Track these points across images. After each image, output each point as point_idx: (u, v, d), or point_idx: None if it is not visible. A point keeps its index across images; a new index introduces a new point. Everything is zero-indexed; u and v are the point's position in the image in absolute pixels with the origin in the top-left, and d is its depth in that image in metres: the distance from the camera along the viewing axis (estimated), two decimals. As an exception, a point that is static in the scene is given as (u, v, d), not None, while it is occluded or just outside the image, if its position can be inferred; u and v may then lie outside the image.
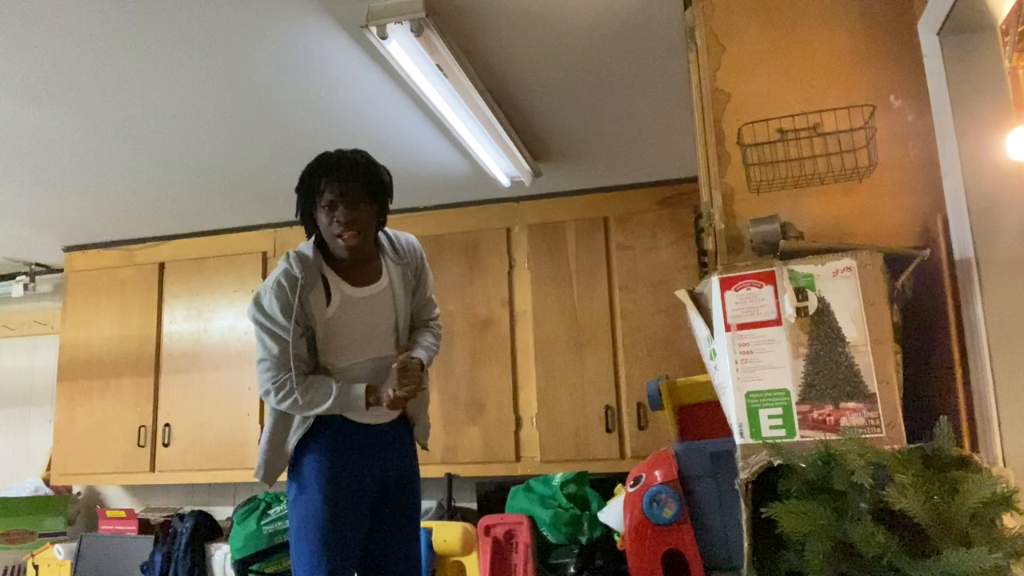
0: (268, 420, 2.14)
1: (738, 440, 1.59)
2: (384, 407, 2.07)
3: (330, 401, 2.03)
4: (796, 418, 1.55)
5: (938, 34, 1.75)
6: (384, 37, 2.31)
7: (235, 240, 4.46)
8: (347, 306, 2.10)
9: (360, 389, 2.06)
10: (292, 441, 2.10)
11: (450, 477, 3.75)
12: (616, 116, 3.20)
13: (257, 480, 2.12)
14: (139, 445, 4.34)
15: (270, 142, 3.29)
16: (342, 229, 2.04)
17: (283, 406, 2.06)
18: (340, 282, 2.10)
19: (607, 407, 3.75)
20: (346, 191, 2.04)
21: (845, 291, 1.57)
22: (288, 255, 2.07)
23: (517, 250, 4.03)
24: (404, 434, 2.23)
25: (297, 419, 2.10)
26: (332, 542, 2.01)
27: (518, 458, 3.82)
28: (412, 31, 2.28)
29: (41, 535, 4.38)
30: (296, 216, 2.15)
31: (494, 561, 3.23)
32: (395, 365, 2.07)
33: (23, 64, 2.57)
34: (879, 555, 1.32)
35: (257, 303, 2.07)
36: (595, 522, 3.17)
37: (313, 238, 2.14)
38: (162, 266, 4.54)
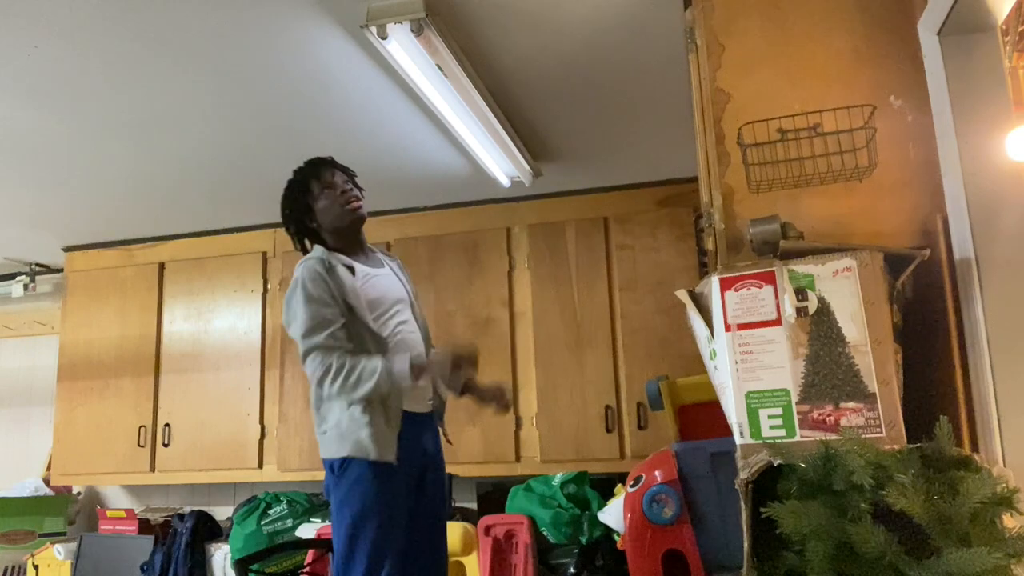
0: (354, 405, 2.04)
1: (738, 440, 1.59)
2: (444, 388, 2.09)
3: (376, 375, 1.98)
4: (796, 418, 1.55)
5: (938, 34, 1.75)
6: (384, 37, 2.31)
7: (235, 240, 4.46)
8: (366, 277, 2.17)
9: (403, 361, 2.01)
10: (395, 405, 2.06)
11: (450, 477, 3.72)
12: (616, 116, 3.20)
13: (384, 460, 2.01)
14: (139, 445, 4.34)
15: (270, 142, 3.29)
16: (346, 197, 2.19)
17: (335, 386, 2.01)
18: (352, 262, 2.17)
19: (607, 407, 3.75)
20: (335, 172, 2.24)
21: (845, 291, 1.57)
22: (307, 258, 2.13)
23: (517, 250, 4.03)
24: (435, 424, 2.28)
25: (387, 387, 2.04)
26: (398, 531, 2.02)
27: (518, 458, 3.82)
28: (412, 31, 2.28)
29: (41, 535, 4.38)
30: (292, 233, 2.27)
31: (494, 561, 3.23)
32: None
33: (23, 64, 2.57)
34: (879, 555, 1.32)
35: (299, 293, 2.06)
36: (595, 522, 3.17)
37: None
38: (162, 266, 4.54)
